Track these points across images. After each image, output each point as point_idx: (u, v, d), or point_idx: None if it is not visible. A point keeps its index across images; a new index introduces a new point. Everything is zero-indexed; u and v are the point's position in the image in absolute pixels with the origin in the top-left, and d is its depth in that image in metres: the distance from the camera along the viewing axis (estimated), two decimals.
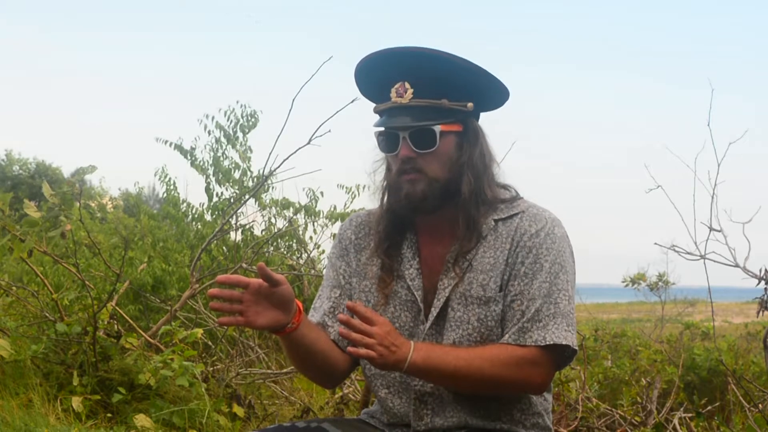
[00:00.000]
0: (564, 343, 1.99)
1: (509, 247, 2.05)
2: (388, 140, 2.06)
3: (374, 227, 2.16)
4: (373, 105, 2.14)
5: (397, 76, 2.04)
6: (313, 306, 2.22)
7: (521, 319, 2.00)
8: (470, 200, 2.05)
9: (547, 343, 1.98)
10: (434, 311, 2.06)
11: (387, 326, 1.92)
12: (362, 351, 1.89)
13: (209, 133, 7.65)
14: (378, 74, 2.07)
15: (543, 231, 2.05)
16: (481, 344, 2.03)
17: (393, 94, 2.05)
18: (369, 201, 2.18)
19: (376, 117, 2.12)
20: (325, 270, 2.29)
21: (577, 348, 2.04)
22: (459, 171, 2.06)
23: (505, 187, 2.14)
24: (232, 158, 7.66)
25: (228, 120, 7.63)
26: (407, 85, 2.03)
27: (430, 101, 2.03)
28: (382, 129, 2.07)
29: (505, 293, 2.03)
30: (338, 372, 2.16)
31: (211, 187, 7.69)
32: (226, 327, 5.77)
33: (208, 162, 7.68)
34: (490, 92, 2.10)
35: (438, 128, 2.03)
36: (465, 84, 2.05)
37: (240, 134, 7.63)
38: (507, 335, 2.00)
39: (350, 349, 1.91)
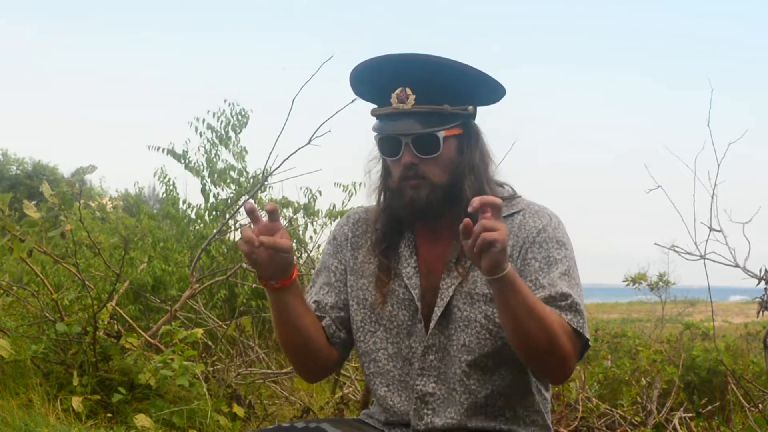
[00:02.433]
0: (587, 336, 1.98)
1: (512, 244, 2.04)
2: (390, 145, 2.05)
3: (371, 225, 2.15)
4: (369, 105, 2.13)
5: (397, 82, 2.03)
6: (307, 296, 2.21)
7: (549, 289, 1.96)
8: None
9: (574, 327, 1.95)
10: (438, 311, 2.06)
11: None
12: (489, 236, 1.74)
13: (200, 134, 7.66)
14: (377, 79, 2.05)
15: (550, 226, 2.05)
16: (492, 342, 2.03)
17: (394, 100, 2.03)
18: (366, 199, 2.18)
19: (374, 118, 2.11)
20: (318, 264, 2.28)
21: (590, 344, 2.04)
22: (461, 174, 2.05)
23: (501, 184, 2.14)
24: (226, 160, 7.67)
25: (218, 121, 7.64)
26: (409, 91, 2.02)
27: (433, 107, 2.02)
28: (384, 134, 2.05)
29: None
30: (321, 363, 2.13)
31: (206, 188, 7.69)
32: (226, 327, 5.77)
33: (202, 164, 7.69)
34: (489, 93, 2.10)
35: (442, 134, 2.02)
36: (466, 88, 2.05)
37: (232, 134, 7.63)
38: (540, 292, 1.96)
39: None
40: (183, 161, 7.68)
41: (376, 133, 2.08)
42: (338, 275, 2.19)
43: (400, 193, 2.06)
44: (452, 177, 2.05)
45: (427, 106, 2.02)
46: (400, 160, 2.03)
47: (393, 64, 2.03)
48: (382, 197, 2.13)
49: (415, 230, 2.13)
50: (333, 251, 2.21)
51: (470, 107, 2.07)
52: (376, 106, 2.10)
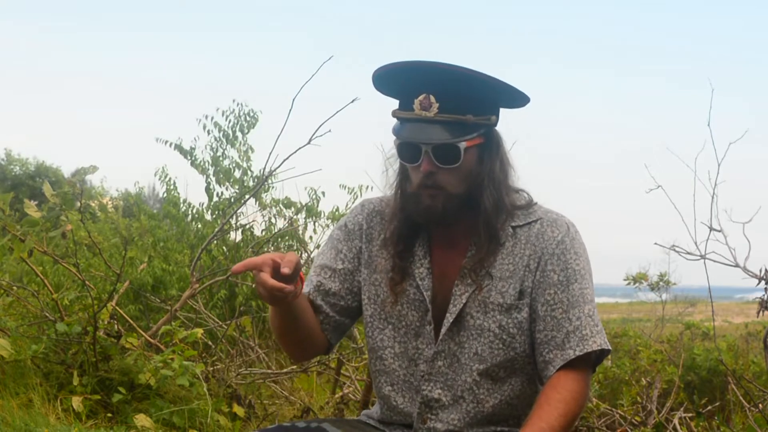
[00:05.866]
0: (605, 347, 2.03)
1: (529, 254, 2.05)
2: (409, 151, 2.03)
3: (387, 220, 2.13)
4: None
5: (422, 88, 2.01)
6: (308, 278, 2.19)
7: (577, 324, 2.01)
8: (491, 211, 2.04)
9: (603, 348, 2.02)
10: (450, 317, 2.05)
11: None
12: None
13: (208, 132, 7.68)
14: (402, 82, 2.04)
15: (568, 237, 2.06)
16: (504, 352, 2.04)
17: (417, 106, 2.01)
18: (383, 191, 2.15)
19: (391, 115, 2.09)
20: (322, 246, 2.24)
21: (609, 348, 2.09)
22: (479, 183, 2.04)
23: (518, 191, 2.13)
24: (232, 158, 7.69)
25: (227, 120, 7.66)
26: (432, 99, 2.00)
27: (456, 117, 2.00)
28: (404, 140, 2.03)
29: (533, 301, 2.03)
30: (313, 348, 2.15)
31: (211, 187, 7.71)
32: (226, 327, 5.77)
33: (207, 162, 7.70)
34: (513, 103, 2.09)
35: (463, 145, 2.00)
36: (490, 99, 2.04)
37: (239, 134, 7.65)
38: (570, 349, 2.00)
39: None
40: (189, 157, 7.70)
41: (395, 137, 2.06)
42: (346, 263, 2.15)
43: (416, 199, 2.04)
44: (470, 187, 2.04)
45: (450, 116, 2.00)
46: (419, 167, 2.02)
47: (419, 70, 2.01)
48: (399, 194, 2.11)
49: (430, 232, 2.12)
50: (344, 237, 2.17)
51: (493, 117, 2.05)
52: (397, 106, 2.08)
